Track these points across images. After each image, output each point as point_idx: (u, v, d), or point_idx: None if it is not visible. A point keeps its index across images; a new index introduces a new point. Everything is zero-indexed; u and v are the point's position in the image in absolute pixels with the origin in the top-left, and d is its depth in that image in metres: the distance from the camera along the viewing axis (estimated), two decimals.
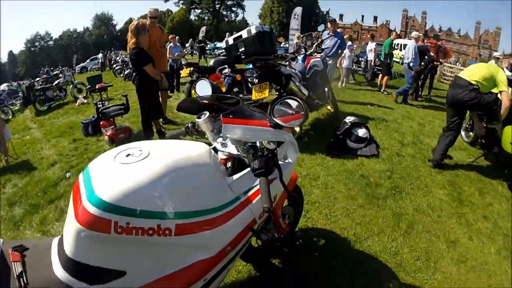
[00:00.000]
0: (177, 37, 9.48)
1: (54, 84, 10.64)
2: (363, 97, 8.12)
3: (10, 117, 10.12)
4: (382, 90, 9.04)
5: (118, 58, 20.03)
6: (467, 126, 5.17)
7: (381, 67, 9.70)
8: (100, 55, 20.39)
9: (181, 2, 48.77)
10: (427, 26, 60.35)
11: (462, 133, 5.26)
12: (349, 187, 3.40)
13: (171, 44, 8.94)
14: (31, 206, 3.35)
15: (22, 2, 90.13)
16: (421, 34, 7.81)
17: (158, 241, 1.15)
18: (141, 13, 58.35)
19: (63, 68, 15.49)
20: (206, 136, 1.60)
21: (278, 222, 1.84)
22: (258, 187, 1.40)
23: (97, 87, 5.78)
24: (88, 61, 26.01)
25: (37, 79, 11.96)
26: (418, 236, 2.68)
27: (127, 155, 1.25)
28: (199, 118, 1.53)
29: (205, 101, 1.62)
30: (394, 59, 10.08)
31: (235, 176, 1.44)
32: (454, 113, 3.93)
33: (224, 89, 5.40)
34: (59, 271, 1.13)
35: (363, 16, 67.11)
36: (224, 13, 50.50)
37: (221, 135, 1.44)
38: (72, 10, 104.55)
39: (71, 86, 10.77)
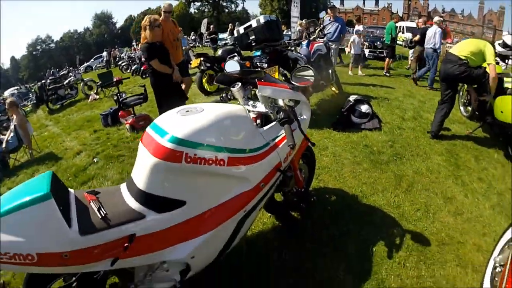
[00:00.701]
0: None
1: (65, 82, 10.99)
2: (366, 79, 8.38)
3: None
4: (385, 72, 9.27)
5: (123, 55, 20.39)
6: (464, 101, 5.46)
7: (387, 50, 9.76)
8: (104, 53, 20.73)
9: None
10: (429, 7, 58.88)
11: (461, 108, 5.57)
12: (354, 155, 3.74)
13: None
14: None
15: (21, 6, 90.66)
16: (441, 18, 7.94)
17: (215, 170, 1.55)
18: (140, 9, 58.27)
19: (70, 68, 15.85)
20: (238, 102, 2.01)
21: (296, 174, 2.24)
22: (281, 136, 1.88)
23: (114, 80, 6.14)
24: (92, 60, 26.34)
25: (45, 80, 12.27)
26: (418, 193, 3.02)
27: (187, 111, 1.65)
28: (233, 87, 1.95)
29: (236, 75, 2.03)
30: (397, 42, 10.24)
31: (265, 128, 1.89)
32: (447, 86, 4.24)
33: None
34: (132, 203, 1.51)
35: (364, 0, 65.57)
36: (224, 4, 50.33)
37: (250, 100, 1.96)
38: (71, 11, 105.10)
39: (82, 83, 11.10)
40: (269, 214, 2.58)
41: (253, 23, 4.65)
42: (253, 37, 4.61)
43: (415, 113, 5.43)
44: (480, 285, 1.89)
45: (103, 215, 1.38)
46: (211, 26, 18.11)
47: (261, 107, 1.96)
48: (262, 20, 4.54)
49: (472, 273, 2.11)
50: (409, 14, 56.70)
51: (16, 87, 17.65)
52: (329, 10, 7.33)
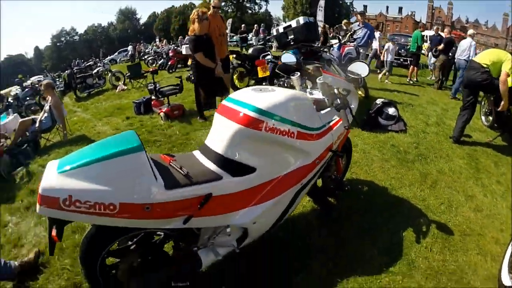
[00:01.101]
0: None
1: (93, 72, 11.31)
2: (390, 85, 8.53)
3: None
4: (408, 80, 9.38)
5: (147, 50, 20.90)
6: (486, 110, 5.61)
7: (412, 58, 9.87)
8: (130, 47, 21.30)
9: None
10: (453, 17, 58.42)
11: (482, 117, 5.72)
12: (382, 153, 3.97)
13: None
14: None
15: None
16: (474, 31, 8.05)
17: (286, 141, 1.80)
18: (164, 6, 59.09)
19: (96, 59, 16.31)
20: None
21: (338, 159, 2.54)
22: (335, 121, 2.17)
23: (150, 70, 6.46)
24: (116, 53, 26.97)
25: (72, 69, 12.68)
26: (441, 190, 3.23)
27: (260, 90, 1.92)
28: (293, 76, 2.26)
29: (294, 66, 2.38)
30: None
31: (322, 112, 2.16)
32: (469, 93, 4.42)
33: (268, 73, 6.03)
34: (210, 165, 1.71)
35: (387, 7, 64.81)
36: (248, 5, 50.61)
37: (307, 87, 2.30)
38: (97, 4, 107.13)
39: (110, 74, 11.46)
40: (308, 198, 2.82)
41: (293, 23, 5.00)
42: (292, 36, 4.96)
43: (438, 119, 5.60)
44: (499, 272, 2.10)
45: (185, 173, 1.55)
46: (242, 25, 18.51)
47: (317, 94, 2.23)
48: (301, 21, 4.91)
49: (491, 261, 2.31)
50: (432, 23, 55.75)
51: (42, 75, 18.24)
52: (358, 16, 7.53)
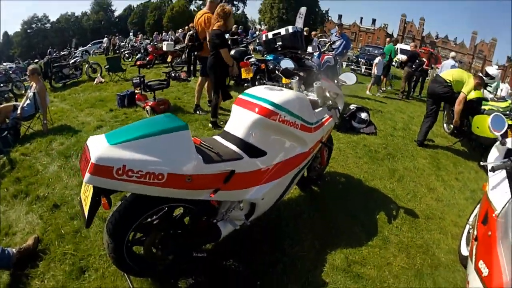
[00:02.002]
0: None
1: (71, 62, 10.97)
2: (362, 93, 9.17)
3: (23, 91, 10.18)
4: (379, 89, 10.08)
5: (122, 43, 20.48)
6: (448, 119, 6.28)
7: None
8: (105, 40, 20.72)
9: None
10: (424, 32, 61.66)
11: (444, 125, 6.44)
12: (356, 151, 4.45)
13: (191, 32, 9.71)
14: None
15: None
16: (455, 54, 8.87)
17: (292, 131, 2.18)
18: (140, 1, 57.61)
19: (71, 49, 15.85)
20: None
21: (323, 152, 2.95)
22: (325, 118, 2.60)
23: (137, 63, 6.53)
24: (90, 44, 26.10)
25: (48, 58, 12.25)
26: (407, 183, 3.75)
27: (270, 89, 2.28)
28: (293, 79, 2.64)
29: (295, 70, 2.78)
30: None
31: (316, 110, 2.54)
32: (432, 102, 5.05)
33: (251, 75, 6.35)
34: (233, 147, 2.02)
35: (362, 18, 67.20)
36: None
37: (305, 89, 2.69)
38: None
39: (87, 65, 11.20)
40: (295, 186, 3.18)
41: (282, 31, 5.53)
42: (280, 43, 5.38)
43: (405, 125, 6.23)
44: (458, 246, 2.61)
45: (216, 152, 1.85)
46: (234, 26, 18.64)
47: (312, 96, 2.67)
48: (290, 30, 5.46)
49: (451, 239, 2.81)
50: (404, 37, 58.56)
51: (14, 61, 17.46)
52: (337, 28, 8.12)
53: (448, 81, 4.77)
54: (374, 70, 9.46)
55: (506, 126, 2.39)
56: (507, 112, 4.87)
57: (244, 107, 2.15)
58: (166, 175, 1.54)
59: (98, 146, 1.47)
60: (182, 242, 1.89)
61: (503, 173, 2.06)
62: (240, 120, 2.12)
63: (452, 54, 8.71)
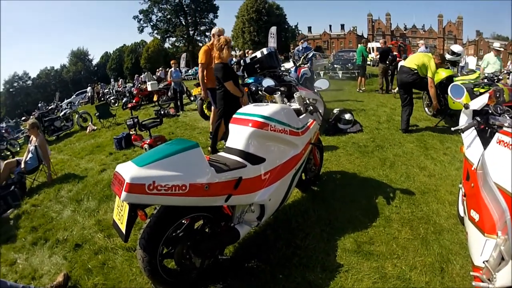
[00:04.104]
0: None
1: (61, 114, 11.21)
2: (343, 96, 9.62)
3: (18, 149, 10.49)
4: (358, 89, 10.55)
5: (106, 90, 20.89)
6: (427, 103, 6.68)
7: (358, 69, 11.20)
8: (89, 89, 21.22)
9: (155, 32, 49.91)
10: (392, 27, 63.71)
11: (426, 109, 6.84)
12: (346, 150, 4.75)
13: (172, 69, 10.23)
14: (104, 197, 4.02)
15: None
16: (423, 42, 9.42)
17: (283, 137, 2.52)
18: (116, 45, 58.63)
19: (58, 102, 16.07)
20: None
21: (315, 152, 3.27)
22: (309, 123, 2.94)
23: (129, 106, 6.85)
24: (74, 96, 26.44)
25: (39, 112, 12.47)
26: (399, 167, 4.03)
27: (258, 106, 2.64)
28: (275, 94, 3.03)
29: (276, 87, 3.21)
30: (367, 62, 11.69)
31: (300, 117, 2.89)
32: (404, 92, 5.43)
33: None
34: (236, 158, 2.32)
35: (330, 25, 68.91)
36: (198, 38, 51.59)
37: (287, 101, 3.05)
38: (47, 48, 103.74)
39: (77, 116, 11.34)
40: (297, 190, 3.45)
41: (258, 54, 6.04)
42: (258, 65, 5.80)
43: (388, 117, 6.60)
44: (457, 210, 2.84)
45: (224, 163, 2.16)
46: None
47: (295, 105, 3.03)
48: (265, 52, 6.02)
49: (449, 206, 3.06)
50: (374, 35, 60.17)
51: (4, 121, 17.60)
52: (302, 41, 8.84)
53: (413, 69, 5.13)
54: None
55: (465, 91, 2.73)
56: (478, 82, 5.30)
57: (239, 124, 2.48)
58: (188, 185, 1.84)
59: (129, 169, 1.75)
60: (207, 247, 2.13)
61: (473, 132, 2.38)
62: (238, 135, 2.44)
63: (421, 42, 9.28)
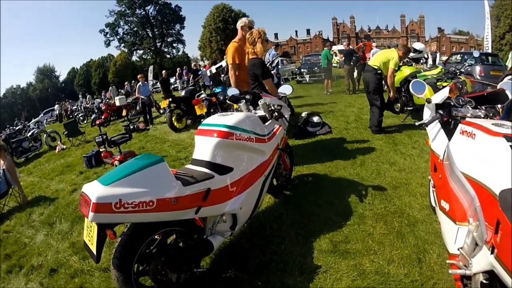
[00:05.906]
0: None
1: (28, 135, 10.74)
2: (311, 99, 9.82)
3: None
4: (325, 92, 10.80)
5: (74, 107, 20.25)
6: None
7: (324, 72, 11.43)
8: (56, 106, 20.43)
9: (122, 45, 49.22)
10: (357, 29, 65.39)
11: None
12: (316, 152, 4.83)
13: (140, 83, 10.11)
14: (77, 218, 3.89)
15: None
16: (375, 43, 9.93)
17: (249, 145, 2.52)
18: (83, 60, 57.09)
19: (25, 123, 15.43)
20: None
21: (284, 157, 3.34)
22: (275, 128, 2.96)
23: (97, 122, 6.65)
24: (42, 114, 25.24)
25: (6, 134, 11.87)
26: (369, 165, 4.14)
27: (222, 115, 2.64)
28: (240, 103, 3.04)
29: (241, 95, 3.18)
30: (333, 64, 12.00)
31: (265, 124, 2.91)
32: (370, 92, 5.48)
33: (205, 110, 6.76)
34: (204, 169, 2.30)
35: (296, 31, 69.54)
36: (166, 50, 51.54)
37: (252, 109, 3.07)
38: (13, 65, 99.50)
39: (45, 135, 10.91)
40: (269, 196, 3.47)
41: (223, 63, 5.92)
42: (223, 75, 5.77)
43: (356, 117, 6.80)
44: (429, 201, 2.93)
45: (191, 175, 2.12)
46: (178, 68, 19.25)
47: (260, 112, 3.04)
48: None
49: (421, 197, 3.17)
50: (339, 38, 61.81)
51: None
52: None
53: (376, 67, 5.26)
54: None
55: (426, 87, 2.85)
56: (440, 76, 5.55)
57: (204, 135, 2.47)
58: (156, 200, 1.81)
59: (95, 189, 1.71)
60: (181, 261, 2.09)
61: (437, 125, 2.49)
62: (204, 146, 2.42)
63: (374, 44, 9.75)
